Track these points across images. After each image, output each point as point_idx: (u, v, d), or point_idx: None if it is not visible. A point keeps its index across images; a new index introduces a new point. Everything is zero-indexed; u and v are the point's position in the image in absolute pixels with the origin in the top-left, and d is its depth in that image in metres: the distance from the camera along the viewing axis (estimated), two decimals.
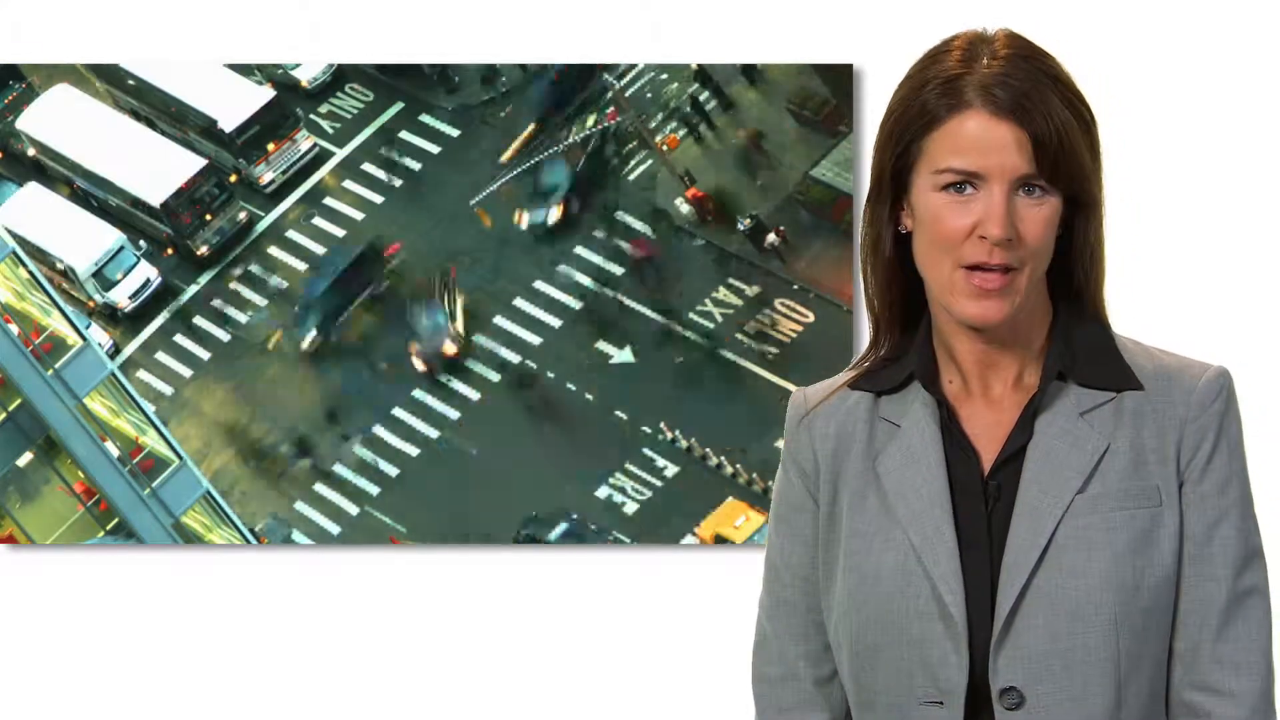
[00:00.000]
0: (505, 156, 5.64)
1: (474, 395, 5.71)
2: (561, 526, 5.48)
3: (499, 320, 5.74)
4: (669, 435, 5.60)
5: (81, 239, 5.75)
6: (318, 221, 5.83)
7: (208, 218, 5.78)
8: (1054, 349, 2.57)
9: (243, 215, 5.80)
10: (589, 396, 5.67)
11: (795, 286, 5.61)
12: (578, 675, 5.27)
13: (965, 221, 2.47)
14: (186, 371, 5.71)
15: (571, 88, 5.64)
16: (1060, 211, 2.51)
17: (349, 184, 5.83)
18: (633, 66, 5.62)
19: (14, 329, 5.47)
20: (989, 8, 4.52)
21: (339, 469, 5.63)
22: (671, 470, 5.58)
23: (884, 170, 2.56)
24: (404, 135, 5.85)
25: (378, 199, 5.83)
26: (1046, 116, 2.46)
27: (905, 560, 2.54)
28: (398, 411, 5.70)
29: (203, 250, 5.77)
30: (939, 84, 2.50)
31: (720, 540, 5.38)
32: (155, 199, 5.79)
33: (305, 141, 5.81)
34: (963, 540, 2.52)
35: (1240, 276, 5.18)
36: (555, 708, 5.28)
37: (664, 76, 5.65)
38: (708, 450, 5.58)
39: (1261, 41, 5.16)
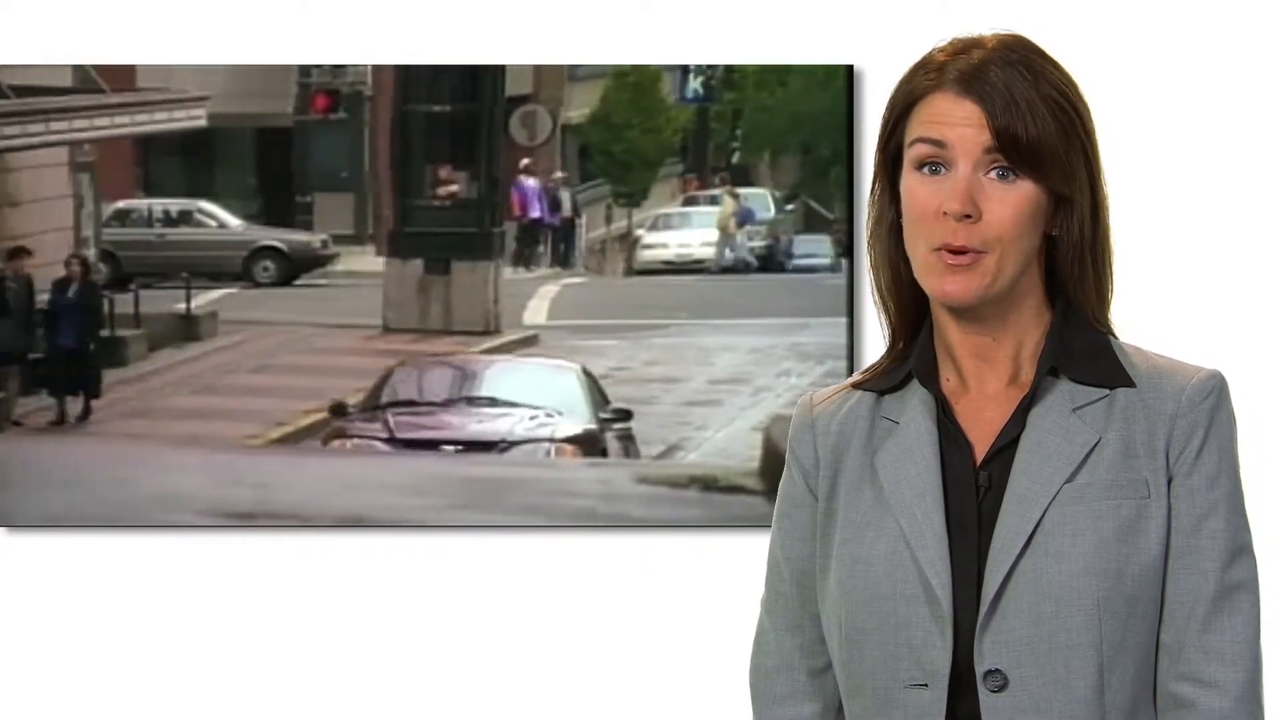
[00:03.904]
0: None
1: None
2: None
3: None
4: None
5: None
6: None
7: None
8: (1048, 347, 2.62)
9: None
10: None
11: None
12: (577, 663, 5.27)
13: (935, 201, 2.55)
14: None
15: None
16: (1041, 202, 2.57)
17: None
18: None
19: None
20: (988, 7, 4.54)
21: None
22: None
23: (879, 156, 2.64)
24: None
25: None
26: (1010, 102, 2.53)
27: (895, 547, 2.59)
28: None
29: None
30: (924, 70, 2.60)
31: None
32: None
33: None
34: (953, 528, 2.57)
35: (1238, 278, 5.19)
36: (555, 695, 5.28)
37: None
38: None
39: (1260, 42, 5.17)
